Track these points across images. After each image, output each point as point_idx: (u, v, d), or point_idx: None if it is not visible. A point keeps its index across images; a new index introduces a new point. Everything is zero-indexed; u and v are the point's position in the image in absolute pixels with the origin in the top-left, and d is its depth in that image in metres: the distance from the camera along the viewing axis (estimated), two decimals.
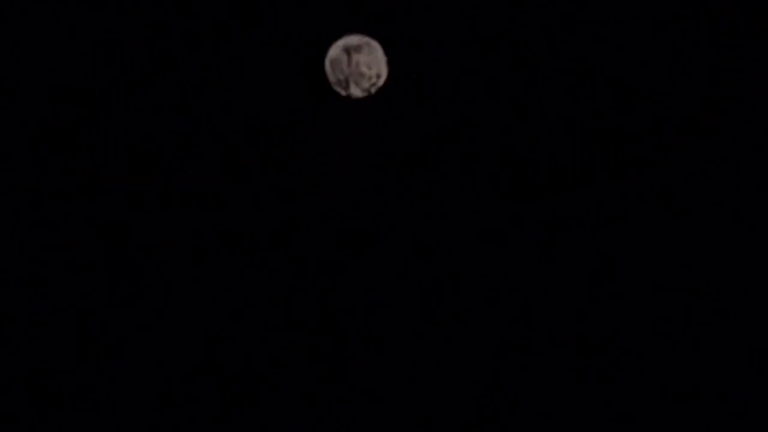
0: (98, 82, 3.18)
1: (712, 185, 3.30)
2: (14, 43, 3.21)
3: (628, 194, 3.30)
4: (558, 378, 3.28)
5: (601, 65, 3.25)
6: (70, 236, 3.26)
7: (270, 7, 3.17)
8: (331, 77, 3.11)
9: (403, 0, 3.16)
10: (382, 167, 3.23)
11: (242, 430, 3.25)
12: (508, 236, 3.31)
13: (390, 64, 3.12)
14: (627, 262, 3.32)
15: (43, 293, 3.25)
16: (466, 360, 3.30)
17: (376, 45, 3.10)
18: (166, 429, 3.22)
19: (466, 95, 3.22)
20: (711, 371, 3.28)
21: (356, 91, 3.11)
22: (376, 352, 3.31)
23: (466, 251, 3.31)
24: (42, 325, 3.25)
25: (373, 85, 3.12)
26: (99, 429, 3.21)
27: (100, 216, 3.26)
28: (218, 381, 3.27)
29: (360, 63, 3.09)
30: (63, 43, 3.23)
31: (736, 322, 3.29)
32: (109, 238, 3.27)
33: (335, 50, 3.09)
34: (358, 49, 3.08)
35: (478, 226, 3.31)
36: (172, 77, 3.18)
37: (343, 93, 3.12)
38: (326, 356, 3.30)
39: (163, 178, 3.21)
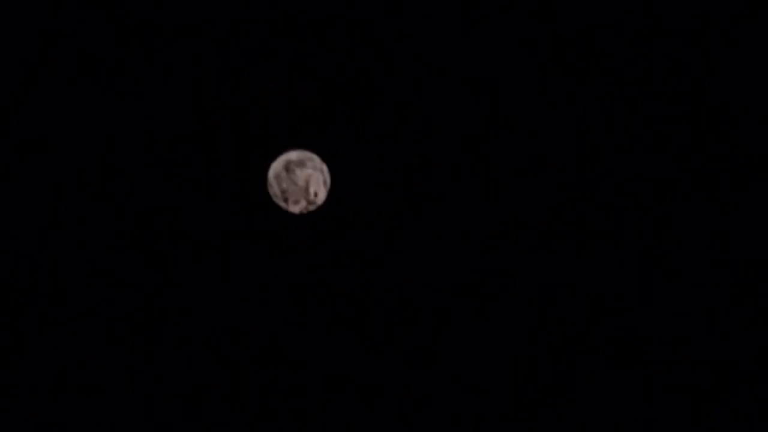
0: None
1: (712, 185, 3.31)
2: (14, 42, 3.22)
3: (628, 193, 3.31)
4: (557, 377, 3.29)
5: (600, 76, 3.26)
6: (70, 236, 3.26)
7: (217, 119, 3.17)
8: (271, 190, 3.10)
9: (348, 121, 3.16)
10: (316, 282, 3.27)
11: (242, 429, 3.26)
12: (508, 236, 3.32)
13: (330, 184, 3.11)
14: (627, 261, 3.33)
15: (43, 292, 3.26)
16: (465, 359, 3.31)
17: (318, 162, 3.09)
18: (166, 428, 3.23)
19: (407, 219, 3.25)
20: (710, 370, 3.29)
21: (293, 208, 3.10)
22: (377, 351, 3.31)
23: (465, 251, 3.32)
24: (42, 324, 3.26)
25: (311, 203, 3.10)
26: (99, 429, 3.22)
27: (101, 216, 3.26)
28: (218, 379, 3.28)
29: (299, 180, 3.06)
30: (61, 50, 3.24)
31: (735, 322, 3.30)
32: (109, 238, 3.28)
33: (277, 164, 3.08)
34: (300, 164, 3.05)
35: (478, 227, 3.32)
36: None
37: (283, 207, 3.12)
38: (326, 355, 3.30)
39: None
